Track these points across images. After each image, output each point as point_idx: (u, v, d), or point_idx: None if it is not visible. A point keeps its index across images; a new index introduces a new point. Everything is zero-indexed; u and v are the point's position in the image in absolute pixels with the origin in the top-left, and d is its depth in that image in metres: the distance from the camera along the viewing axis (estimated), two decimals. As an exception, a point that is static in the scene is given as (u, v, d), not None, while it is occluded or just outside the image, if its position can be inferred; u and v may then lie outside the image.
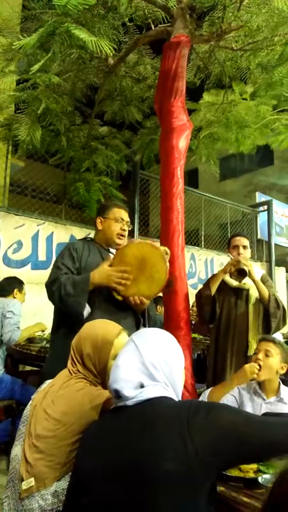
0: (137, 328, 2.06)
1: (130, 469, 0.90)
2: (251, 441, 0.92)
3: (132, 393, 1.00)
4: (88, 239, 2.25)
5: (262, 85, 3.96)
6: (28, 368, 4.07)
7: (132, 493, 0.89)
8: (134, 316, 2.08)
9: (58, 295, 1.90)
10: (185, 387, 2.27)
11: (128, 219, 2.22)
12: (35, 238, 4.76)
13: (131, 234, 4.68)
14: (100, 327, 1.40)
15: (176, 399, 1.05)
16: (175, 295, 2.96)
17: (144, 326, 2.09)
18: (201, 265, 6.55)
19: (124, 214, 2.20)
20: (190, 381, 2.58)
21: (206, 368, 2.98)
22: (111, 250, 2.19)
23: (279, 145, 4.76)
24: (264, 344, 2.08)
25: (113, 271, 1.92)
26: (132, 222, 5.70)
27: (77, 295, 1.87)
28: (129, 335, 1.49)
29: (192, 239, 6.79)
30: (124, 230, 2.16)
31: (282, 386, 2.05)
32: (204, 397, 2.09)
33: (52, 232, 4.91)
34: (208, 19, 3.24)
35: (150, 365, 1.03)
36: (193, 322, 4.55)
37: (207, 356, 3.11)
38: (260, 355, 2.02)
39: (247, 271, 2.70)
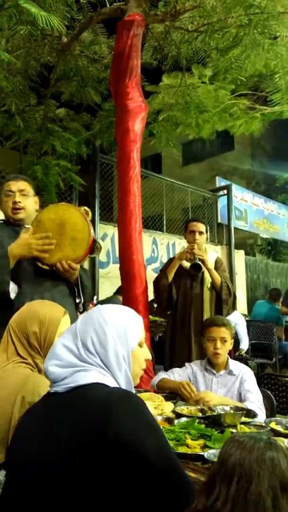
0: (74, 298, 1.96)
1: (55, 458, 0.85)
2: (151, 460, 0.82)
3: (59, 374, 0.93)
4: (1, 221, 2.05)
5: (220, 69, 3.95)
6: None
7: (55, 484, 0.83)
8: (67, 286, 1.95)
9: None
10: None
11: (20, 187, 1.95)
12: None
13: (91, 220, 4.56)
14: (45, 306, 1.37)
15: (117, 386, 0.95)
16: (133, 279, 2.97)
17: (79, 296, 1.97)
18: (163, 249, 6.59)
19: (11, 185, 1.95)
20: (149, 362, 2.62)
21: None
22: (26, 226, 1.99)
23: (237, 130, 4.79)
24: (217, 330, 2.08)
25: (32, 239, 1.79)
26: (93, 207, 5.62)
27: None
28: (65, 305, 1.43)
29: (156, 223, 6.81)
30: (15, 202, 1.93)
31: (230, 360, 2.14)
32: (156, 379, 2.14)
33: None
34: (163, -1, 3.19)
35: (83, 347, 0.94)
36: (155, 305, 4.59)
37: (165, 338, 3.16)
38: (218, 344, 2.06)
39: (201, 265, 2.75)
